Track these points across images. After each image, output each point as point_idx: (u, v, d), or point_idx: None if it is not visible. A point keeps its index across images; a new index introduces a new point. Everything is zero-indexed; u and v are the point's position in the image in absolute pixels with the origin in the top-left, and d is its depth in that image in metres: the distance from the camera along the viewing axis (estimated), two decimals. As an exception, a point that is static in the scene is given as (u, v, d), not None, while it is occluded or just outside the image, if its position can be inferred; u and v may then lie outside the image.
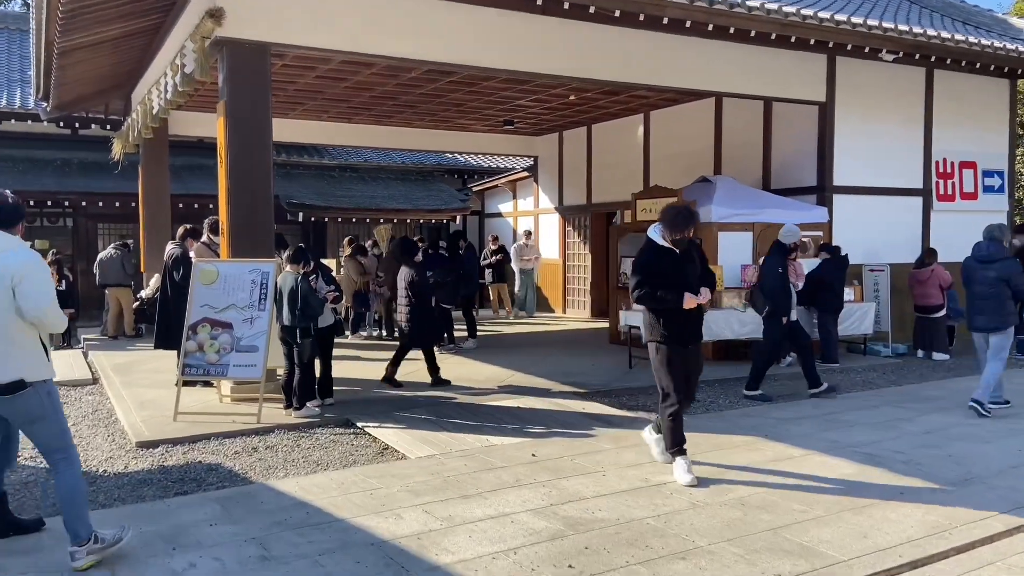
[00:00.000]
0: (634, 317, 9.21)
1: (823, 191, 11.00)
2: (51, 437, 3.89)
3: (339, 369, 8.80)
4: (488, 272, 15.54)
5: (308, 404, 7.13)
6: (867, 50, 9.78)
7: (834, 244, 10.19)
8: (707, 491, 4.89)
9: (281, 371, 7.37)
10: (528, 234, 16.37)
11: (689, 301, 5.08)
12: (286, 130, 14.92)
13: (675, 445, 5.23)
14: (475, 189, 20.05)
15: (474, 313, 11.76)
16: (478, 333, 11.80)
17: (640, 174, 14.41)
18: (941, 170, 11.88)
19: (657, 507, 4.60)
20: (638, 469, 5.37)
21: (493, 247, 15.82)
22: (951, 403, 7.46)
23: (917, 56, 10.23)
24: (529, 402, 7.66)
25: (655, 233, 5.29)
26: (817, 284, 9.49)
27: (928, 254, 10.71)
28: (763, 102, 11.85)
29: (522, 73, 9.29)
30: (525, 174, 18.13)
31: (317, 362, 7.40)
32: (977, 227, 12.95)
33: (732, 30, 8.77)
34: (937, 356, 10.40)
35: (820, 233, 10.80)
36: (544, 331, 13.81)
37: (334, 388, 7.70)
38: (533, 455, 5.69)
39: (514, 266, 15.46)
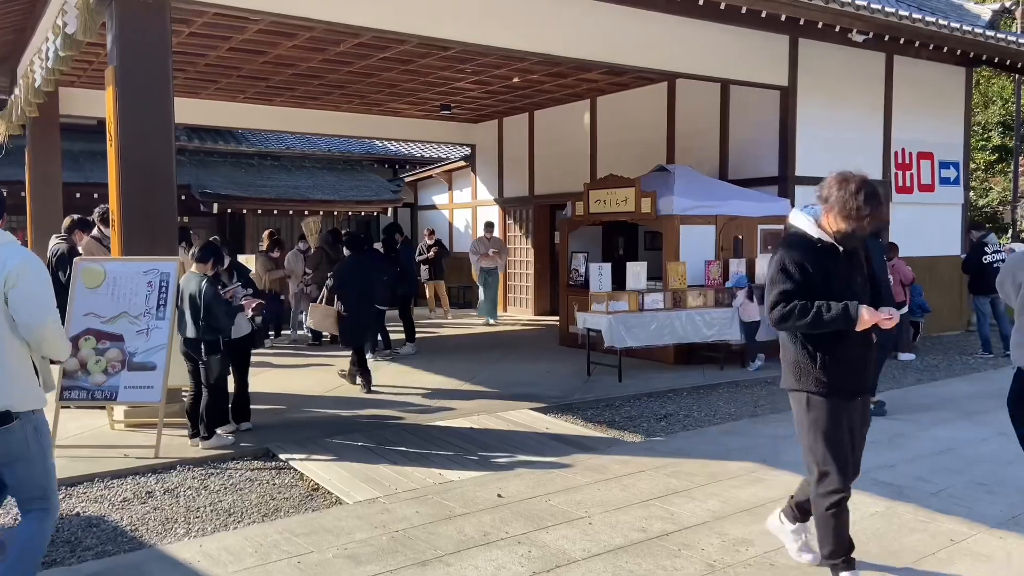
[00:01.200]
0: (595, 319, 8.31)
1: (785, 182, 10.34)
2: (32, 480, 3.16)
3: (257, 383, 7.60)
4: (423, 268, 14.41)
5: (219, 432, 5.94)
6: (837, 29, 9.12)
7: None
8: (720, 542, 3.99)
9: (187, 391, 6.14)
10: (490, 227, 14.04)
11: (868, 319, 3.27)
12: (197, 111, 13.45)
13: (839, 554, 3.40)
14: (408, 180, 18.86)
15: (412, 314, 10.65)
16: (416, 336, 10.70)
17: (587, 164, 13.54)
18: (900, 160, 11.41)
19: (668, 573, 3.66)
20: (628, 512, 4.43)
21: (429, 241, 14.68)
22: (948, 412, 6.81)
23: (887, 38, 9.64)
24: (483, 421, 6.65)
25: (805, 220, 3.48)
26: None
27: (889, 248, 10.15)
28: (720, 88, 11.13)
29: (466, 46, 8.25)
30: (462, 164, 17.06)
31: (232, 379, 6.22)
32: (934, 220, 12.73)
33: (701, 1, 7.93)
34: (903, 356, 9.87)
35: (782, 227, 10.12)
36: (486, 332, 12.79)
37: (252, 408, 6.52)
38: (499, 495, 4.69)
39: (474, 266, 13.59)
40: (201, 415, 5.83)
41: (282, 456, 5.65)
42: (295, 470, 5.38)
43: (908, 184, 11.50)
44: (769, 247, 9.88)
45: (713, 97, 11.25)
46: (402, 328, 10.55)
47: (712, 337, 8.83)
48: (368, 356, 9.79)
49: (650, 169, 10.70)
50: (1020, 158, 15.19)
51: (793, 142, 10.29)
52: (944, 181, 11.92)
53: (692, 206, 9.35)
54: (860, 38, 9.32)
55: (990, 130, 17.26)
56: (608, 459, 5.41)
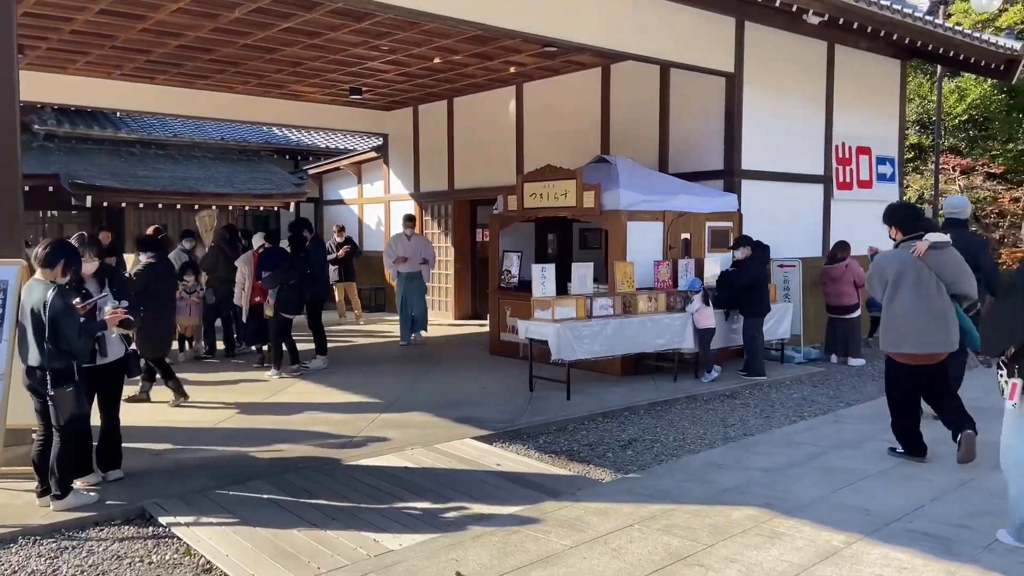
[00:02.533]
0: (540, 328, 7.28)
1: (731, 176, 9.62)
2: None
3: (134, 415, 6.20)
4: (333, 269, 13.03)
5: (77, 487, 4.57)
6: (795, 8, 8.43)
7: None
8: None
9: (37, 431, 4.71)
10: (411, 221, 11.14)
11: None
12: (65, 89, 11.67)
13: None
14: (312, 172, 17.33)
15: (323, 322, 9.32)
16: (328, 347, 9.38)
17: (512, 155, 12.53)
18: (840, 155, 10.94)
19: None
20: (629, 591, 3.41)
21: (339, 239, 13.33)
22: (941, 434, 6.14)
23: (841, 21, 9.05)
24: (420, 456, 5.50)
25: None
26: (748, 285, 8.04)
27: (841, 248, 9.63)
28: (659, 75, 10.33)
29: (378, 6, 6.95)
30: (373, 155, 15.71)
31: (99, 416, 4.83)
32: (872, 217, 12.31)
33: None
34: (853, 362, 9.33)
35: (730, 224, 9.42)
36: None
37: (124, 448, 5.14)
38: (458, 574, 3.58)
39: (389, 269, 11.28)
40: (52, 466, 4.43)
41: (162, 519, 4.34)
42: (180, 540, 4.09)
43: (848, 180, 11.05)
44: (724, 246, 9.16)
45: (652, 85, 10.44)
46: (311, 338, 9.22)
47: (664, 345, 7.97)
48: (272, 373, 8.45)
49: (586, 161, 9.79)
50: (939, 156, 15.18)
51: (740, 133, 9.58)
52: (881, 177, 11.56)
53: (639, 200, 8.47)
54: (816, 20, 8.68)
55: (907, 128, 17.32)
56: (582, 508, 4.39)
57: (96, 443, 4.97)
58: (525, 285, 9.55)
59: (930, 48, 10.25)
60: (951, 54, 10.41)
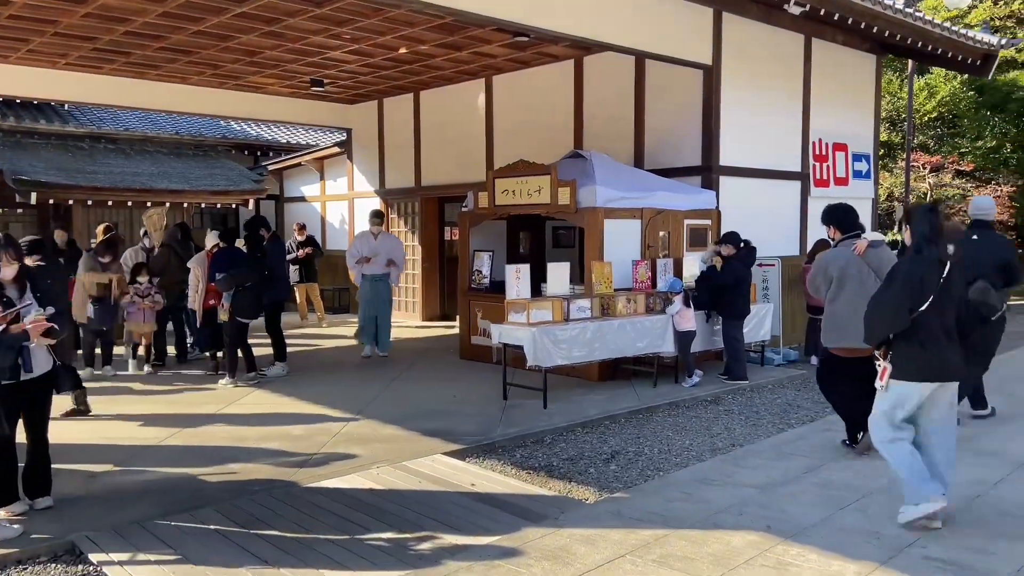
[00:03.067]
0: (515, 333, 6.87)
1: (709, 172, 9.30)
2: None
3: (70, 432, 5.67)
4: (293, 270, 12.47)
5: (-3, 521, 4.03)
6: (776, -1, 8.13)
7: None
8: None
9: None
10: (378, 218, 9.81)
11: None
12: (6, 79, 10.96)
13: None
14: (272, 168, 16.68)
15: (282, 327, 8.78)
16: (287, 352, 8.84)
17: (482, 151, 12.08)
18: (817, 152, 10.69)
19: None
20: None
21: (299, 237, 12.77)
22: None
23: (822, 11, 8.77)
24: (386, 476, 5.04)
25: None
26: (729, 285, 7.71)
27: (821, 246, 9.34)
28: (635, 68, 9.98)
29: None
30: (336, 150, 15.14)
31: (26, 436, 4.29)
32: (846, 216, 12.14)
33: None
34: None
35: (709, 222, 9.10)
36: (370, 343, 11.06)
37: (54, 470, 4.60)
38: (431, 622, 3.14)
39: (352, 270, 9.72)
40: (-35, 498, 3.90)
41: (93, 557, 3.83)
42: (112, 582, 3.60)
43: (825, 177, 10.81)
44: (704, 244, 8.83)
45: (627, 78, 10.08)
46: (269, 343, 8.68)
47: (644, 349, 7.60)
48: (226, 381, 7.91)
49: (559, 157, 9.39)
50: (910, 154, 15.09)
51: (717, 128, 9.26)
52: (857, 174, 11.35)
53: (617, 197, 8.09)
54: (797, 10, 8.39)
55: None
56: (567, 535, 3.97)
57: (22, 466, 4.43)
58: (497, 286, 9.14)
59: (908, 42, 10.04)
60: (928, 48, 10.22)
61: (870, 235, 5.25)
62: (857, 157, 11.33)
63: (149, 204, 14.48)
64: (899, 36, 9.60)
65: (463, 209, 9.50)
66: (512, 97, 11.65)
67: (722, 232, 8.60)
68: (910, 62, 14.58)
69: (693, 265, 8.48)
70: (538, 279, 7.93)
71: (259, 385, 7.96)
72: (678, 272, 8.43)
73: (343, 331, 12.34)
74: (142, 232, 9.51)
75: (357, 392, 7.58)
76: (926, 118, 16.50)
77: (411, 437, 5.95)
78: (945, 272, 3.94)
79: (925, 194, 15.50)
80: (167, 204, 12.43)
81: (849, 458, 5.28)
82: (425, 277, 13.36)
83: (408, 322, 13.27)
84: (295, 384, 8.03)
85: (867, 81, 11.51)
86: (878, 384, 4.12)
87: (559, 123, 10.89)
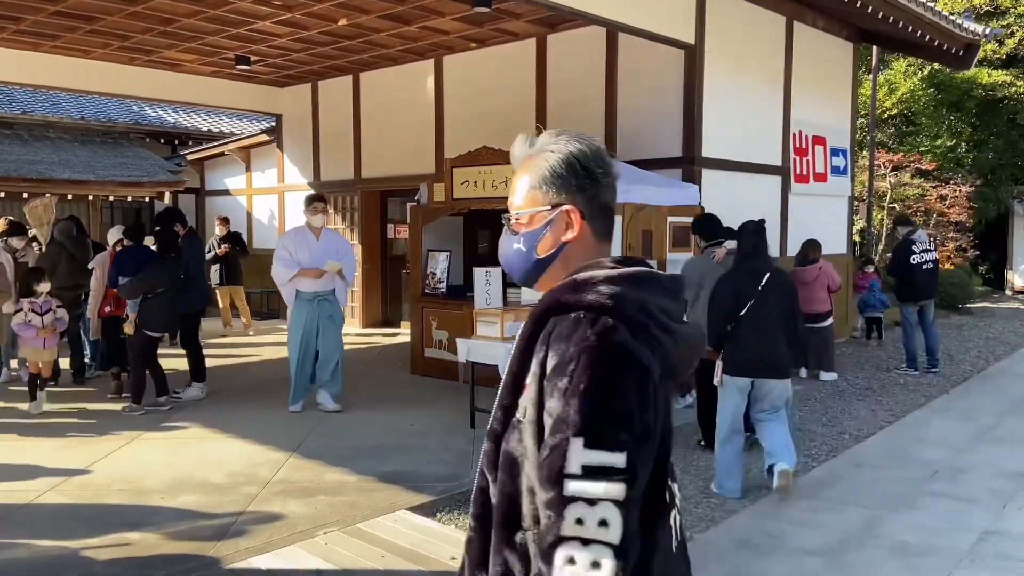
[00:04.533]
0: (486, 349, 5.73)
1: (691, 164, 8.36)
2: None
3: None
4: (215, 270, 11.03)
5: None
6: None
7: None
8: None
9: None
10: (319, 204, 6.77)
11: None
12: None
13: None
14: (192, 158, 15.08)
15: (200, 340, 7.40)
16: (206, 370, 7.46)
17: (430, 140, 10.89)
18: (798, 145, 9.91)
19: None
20: None
21: (221, 232, 11.31)
22: (976, 482, 5.00)
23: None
24: (339, 547, 3.84)
25: None
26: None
27: (812, 247, 8.57)
28: (605, 48, 8.98)
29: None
30: (264, 138, 13.67)
31: None
32: (826, 214, 11.47)
33: None
34: (826, 376, 8.29)
35: (691, 219, 8.13)
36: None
37: None
38: None
39: (282, 286, 6.71)
40: None
41: None
42: None
43: (805, 172, 10.05)
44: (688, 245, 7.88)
45: (596, 59, 9.06)
46: (184, 358, 7.29)
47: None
48: (130, 408, 6.54)
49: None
50: (875, 152, 14.59)
51: (700, 116, 8.34)
52: (835, 170, 10.65)
53: (596, 190, 7.03)
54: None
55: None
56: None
57: None
58: (455, 291, 8.01)
59: (900, 25, 9.27)
60: (918, 35, 9.53)
61: (730, 244, 5.41)
62: (835, 152, 10.63)
63: (48, 195, 12.78)
64: (891, 18, 8.86)
65: (414, 202, 8.31)
66: (465, 80, 10.49)
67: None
68: (874, 55, 14.07)
69: (677, 268, 7.50)
70: (505, 284, 6.84)
71: (171, 412, 6.60)
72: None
73: (273, 339, 10.96)
74: (7, 230, 7.87)
75: (294, 420, 6.32)
76: (885, 115, 16.10)
77: (364, 485, 4.76)
78: (763, 281, 4.52)
79: (884, 193, 15.04)
80: (47, 195, 10.64)
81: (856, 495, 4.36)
82: (366, 279, 12.07)
83: (348, 329, 11.92)
84: (216, 410, 6.70)
85: (845, 71, 10.82)
86: (715, 380, 4.70)
87: (519, 109, 9.79)
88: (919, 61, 15.88)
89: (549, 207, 1.35)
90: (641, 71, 8.72)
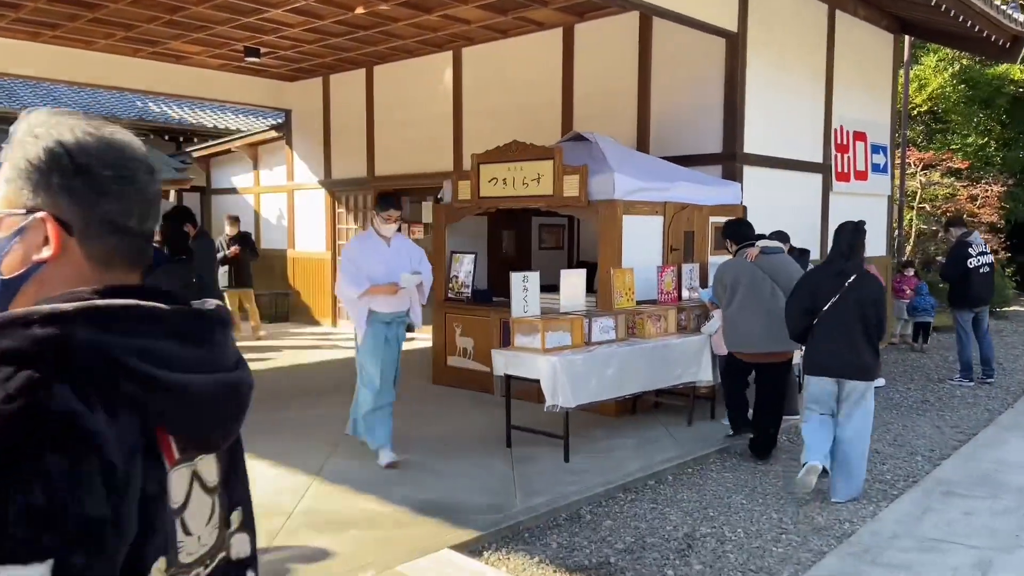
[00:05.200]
0: (526, 362, 5.23)
1: (732, 160, 7.85)
2: None
3: None
4: (223, 272, 10.52)
5: None
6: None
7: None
8: None
9: None
10: (393, 211, 5.21)
11: None
12: None
13: None
14: (198, 155, 14.57)
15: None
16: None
17: (448, 136, 10.38)
18: (839, 141, 9.40)
19: None
20: None
21: (231, 232, 10.82)
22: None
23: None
24: (375, 598, 3.34)
25: None
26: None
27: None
28: (638, 37, 8.46)
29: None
30: (273, 134, 13.17)
31: None
32: (866, 213, 10.81)
33: None
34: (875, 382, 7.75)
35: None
36: (322, 362, 9.26)
37: None
38: None
39: (355, 311, 5.13)
40: None
41: None
42: None
43: (846, 170, 9.53)
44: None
45: (628, 49, 8.55)
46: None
47: (678, 379, 6.06)
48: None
49: (546, 142, 7.76)
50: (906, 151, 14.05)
51: (742, 109, 7.82)
52: (875, 168, 10.13)
53: (637, 188, 6.54)
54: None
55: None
56: None
57: None
58: (481, 296, 7.50)
59: (950, 13, 8.73)
60: (962, 22, 8.98)
61: (764, 244, 5.53)
62: (876, 148, 10.10)
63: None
64: (943, 6, 8.33)
65: (436, 200, 7.81)
66: (486, 73, 9.98)
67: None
68: (906, 47, 13.53)
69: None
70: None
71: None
72: (704, 280, 6.96)
73: (284, 343, 10.48)
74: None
75: (313, 437, 5.82)
76: (915, 112, 15.56)
77: (399, 516, 4.25)
78: (848, 282, 4.57)
79: (914, 193, 14.51)
80: None
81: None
82: (379, 281, 11.55)
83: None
84: (229, 425, 6.20)
85: (885, 63, 10.29)
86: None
87: (543, 103, 9.28)
88: (950, 56, 15.36)
89: (24, 211, 0.96)
90: (677, 61, 8.21)
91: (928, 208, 14.85)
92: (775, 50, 8.21)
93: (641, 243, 6.61)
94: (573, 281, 5.93)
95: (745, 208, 7.71)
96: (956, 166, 14.54)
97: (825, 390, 4.60)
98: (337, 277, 5.28)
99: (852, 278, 4.57)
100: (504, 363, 5.38)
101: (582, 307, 6.03)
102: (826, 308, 4.54)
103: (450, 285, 7.66)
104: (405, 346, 10.61)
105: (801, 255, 6.84)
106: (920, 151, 14.97)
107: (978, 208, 14.92)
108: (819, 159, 9.07)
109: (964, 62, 15.38)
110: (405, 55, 10.64)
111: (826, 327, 4.53)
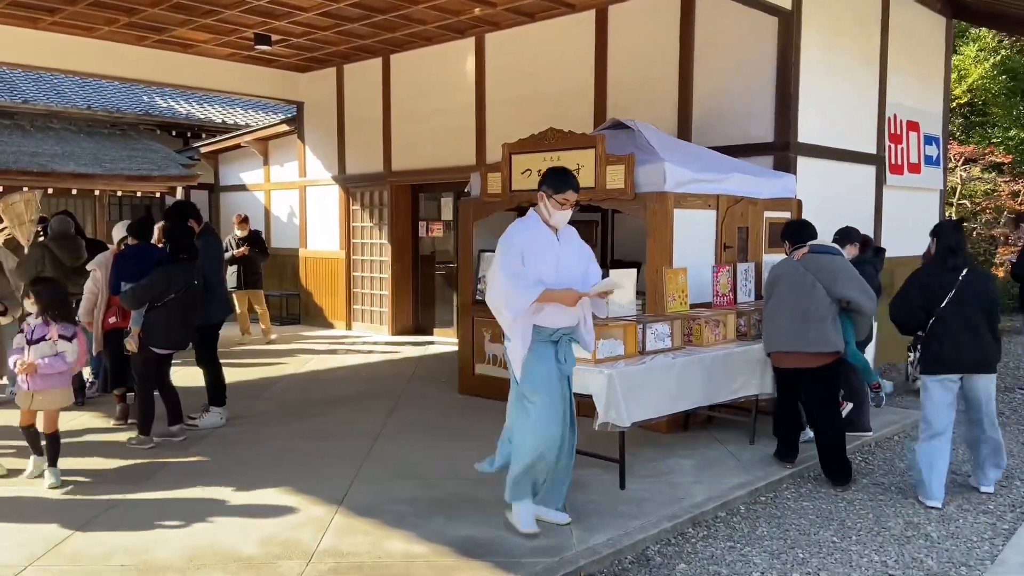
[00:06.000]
0: (578, 375, 4.58)
1: (785, 150, 7.21)
2: None
3: None
4: (231, 272, 9.93)
5: None
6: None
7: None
8: None
9: None
10: (570, 192, 3.88)
11: None
12: None
13: None
14: (206, 151, 14.00)
15: (219, 358, 6.28)
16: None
17: (471, 128, 9.76)
18: (892, 130, 8.73)
19: None
20: None
21: (240, 233, 10.23)
22: None
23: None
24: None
25: None
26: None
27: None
28: (679, 18, 7.82)
29: None
30: (284, 128, 12.57)
31: None
32: (918, 208, 10.27)
33: None
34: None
35: (788, 215, 6.98)
36: (336, 368, 8.66)
37: None
38: None
39: (519, 322, 3.76)
40: None
41: None
42: None
43: (899, 162, 8.86)
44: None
45: (668, 31, 7.91)
46: (202, 377, 6.18)
47: (738, 392, 5.42)
48: (133, 440, 5.45)
49: (590, 131, 7.12)
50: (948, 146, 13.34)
51: (796, 93, 7.18)
52: (928, 160, 9.44)
53: (689, 179, 5.91)
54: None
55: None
56: None
57: None
58: (513, 299, 6.85)
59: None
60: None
61: (815, 243, 5.14)
62: (928, 139, 9.42)
63: (50, 190, 11.77)
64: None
65: (464, 196, 7.18)
66: (511, 60, 9.35)
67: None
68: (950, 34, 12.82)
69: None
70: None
71: (187, 444, 5.50)
72: (759, 280, 6.32)
73: (296, 347, 9.89)
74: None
75: (332, 456, 5.21)
76: (954, 103, 14.84)
77: (437, 559, 3.63)
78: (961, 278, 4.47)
79: (954, 188, 13.81)
80: (25, 188, 9.26)
81: None
82: (395, 282, 10.97)
83: (375, 336, 10.85)
84: (239, 441, 5.60)
85: (937, 49, 9.61)
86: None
87: (574, 91, 8.65)
88: (992, 45, 14.64)
89: None
90: (723, 43, 7.57)
91: (968, 204, 14.14)
92: (829, 30, 7.57)
93: (692, 240, 5.97)
94: (622, 282, 5.29)
95: (800, 203, 7.06)
96: (998, 160, 13.83)
97: (948, 394, 4.48)
98: (489, 279, 3.90)
99: (965, 272, 4.50)
100: (590, 377, 4.72)
101: (631, 312, 5.40)
102: (944, 305, 4.44)
103: (479, 287, 7.03)
104: (420, 350, 10.06)
105: (877, 253, 6.20)
106: (959, 144, 14.27)
107: (1020, 205, 14.22)
108: (872, 150, 8.41)
109: (1005, 52, 14.66)
110: (424, 42, 10.03)
111: (949, 323, 4.43)
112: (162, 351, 5.53)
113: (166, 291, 5.42)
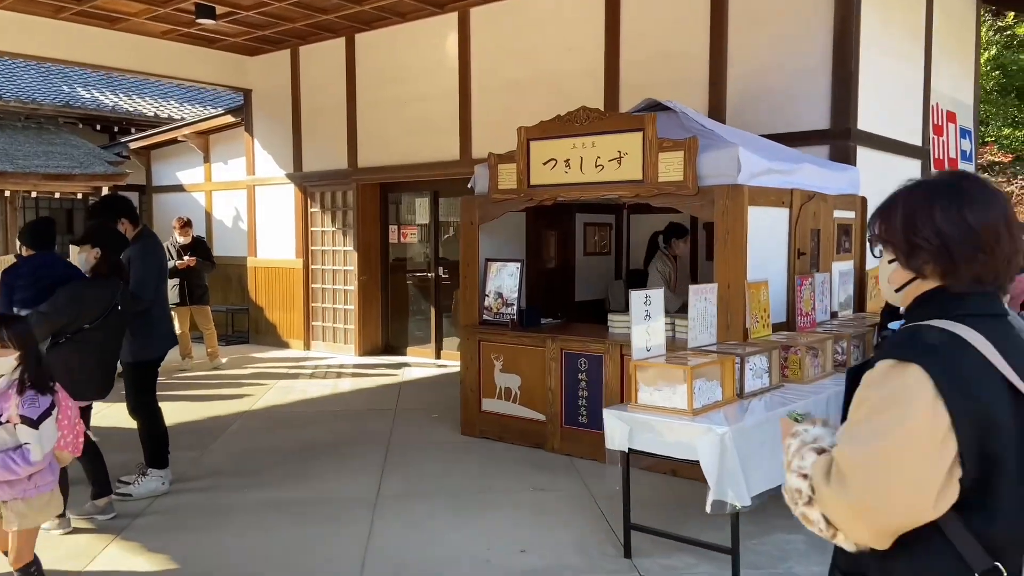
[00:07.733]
0: (658, 431, 3.35)
1: (845, 139, 6.12)
2: None
3: None
4: (174, 286, 8.36)
5: None
6: None
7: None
8: None
9: None
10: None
11: None
12: None
13: None
14: (135, 147, 12.32)
15: (158, 403, 4.81)
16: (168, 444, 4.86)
17: (453, 117, 8.44)
18: (935, 121, 7.78)
19: None
20: None
21: (182, 239, 8.68)
22: None
23: None
24: None
25: None
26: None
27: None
28: (708, -17, 6.68)
29: None
30: (229, 119, 11.00)
31: None
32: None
33: None
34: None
35: (853, 215, 5.89)
36: (300, 401, 7.19)
37: None
38: None
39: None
40: None
41: None
42: None
43: (941, 156, 7.92)
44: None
45: (696, 0, 6.76)
46: (136, 430, 4.69)
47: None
48: (50, 524, 3.93)
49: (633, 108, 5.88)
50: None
51: (856, 73, 6.10)
52: (963, 156, 8.56)
53: (764, 169, 4.73)
54: None
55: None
56: None
57: None
58: (529, 317, 5.60)
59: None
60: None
61: None
62: (963, 133, 8.54)
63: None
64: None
65: (470, 194, 5.85)
66: (501, 38, 8.07)
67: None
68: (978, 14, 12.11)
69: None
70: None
71: (117, 525, 4.03)
72: (830, 296, 5.19)
73: (249, 372, 8.39)
74: None
75: (316, 547, 3.83)
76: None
77: None
78: None
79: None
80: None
81: None
82: (362, 295, 9.54)
83: (339, 358, 9.40)
84: (188, 516, 4.16)
85: (969, 35, 8.74)
86: None
87: (579, 73, 7.43)
88: (985, 40, 14.03)
89: None
90: (764, 15, 6.45)
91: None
92: (883, 3, 6.53)
93: (765, 245, 4.81)
94: (704, 302, 4.05)
95: (865, 200, 5.98)
96: (996, 159, 13.18)
97: None
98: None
99: None
100: (626, 432, 3.46)
101: (711, 341, 4.18)
102: None
103: (486, 304, 5.72)
104: (393, 375, 8.63)
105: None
106: (955, 144, 13.58)
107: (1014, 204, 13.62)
108: (918, 142, 7.42)
109: (996, 48, 14.08)
110: (396, 19, 8.67)
111: None
112: (79, 403, 4.06)
113: (76, 319, 3.95)
